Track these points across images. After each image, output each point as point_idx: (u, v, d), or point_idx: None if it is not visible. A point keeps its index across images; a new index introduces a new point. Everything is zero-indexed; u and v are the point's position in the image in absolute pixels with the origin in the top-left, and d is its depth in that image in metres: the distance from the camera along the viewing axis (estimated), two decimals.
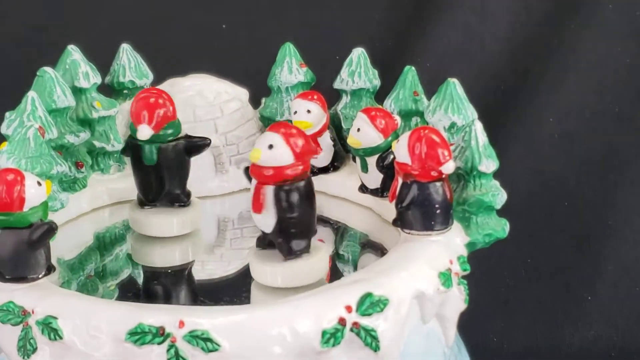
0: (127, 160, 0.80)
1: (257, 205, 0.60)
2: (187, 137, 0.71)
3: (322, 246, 0.64)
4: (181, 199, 0.71)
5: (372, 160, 0.72)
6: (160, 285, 0.67)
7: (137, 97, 0.70)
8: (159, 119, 0.68)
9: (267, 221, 0.60)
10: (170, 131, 0.69)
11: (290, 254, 0.61)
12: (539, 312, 1.11)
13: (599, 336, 1.10)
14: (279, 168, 0.59)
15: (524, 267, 1.13)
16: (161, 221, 0.70)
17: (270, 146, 0.59)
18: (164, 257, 0.70)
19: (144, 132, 0.68)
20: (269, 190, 0.60)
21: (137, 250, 0.71)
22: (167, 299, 0.64)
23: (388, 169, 0.71)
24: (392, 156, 0.70)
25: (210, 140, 0.71)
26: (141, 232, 0.71)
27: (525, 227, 1.11)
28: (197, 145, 0.71)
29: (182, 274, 0.68)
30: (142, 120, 0.68)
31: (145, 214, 0.71)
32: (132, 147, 0.70)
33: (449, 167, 0.62)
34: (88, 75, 0.78)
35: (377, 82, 0.82)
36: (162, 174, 0.70)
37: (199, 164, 0.78)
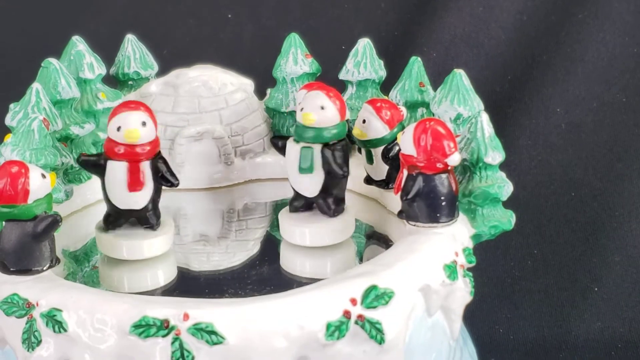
0: None
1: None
2: None
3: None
4: None
5: (377, 152, 0.72)
6: None
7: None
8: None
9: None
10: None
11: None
12: (545, 303, 1.11)
13: (605, 327, 1.09)
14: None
15: (530, 258, 1.12)
16: None
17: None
18: None
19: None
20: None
21: None
22: None
23: (393, 161, 0.71)
24: (397, 148, 0.69)
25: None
26: None
27: (532, 217, 1.11)
28: None
29: None
30: None
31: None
32: None
33: (454, 159, 0.62)
34: (93, 66, 0.78)
35: (382, 73, 0.81)
36: None
37: (203, 155, 0.78)
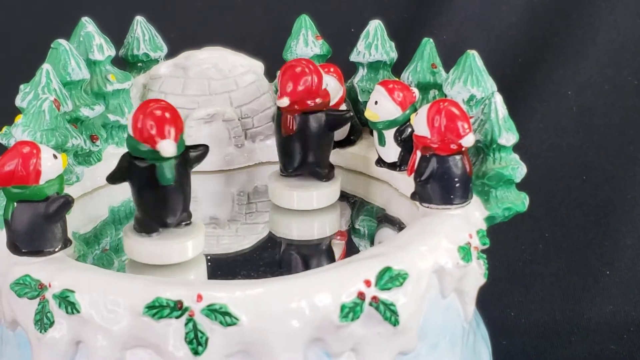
0: None
1: None
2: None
3: None
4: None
5: (389, 134, 0.71)
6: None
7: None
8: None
9: None
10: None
11: None
12: (557, 286, 1.11)
13: (617, 311, 1.09)
14: None
15: (541, 242, 1.12)
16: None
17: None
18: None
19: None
20: None
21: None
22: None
23: (406, 142, 0.70)
24: (410, 129, 0.69)
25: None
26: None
27: (543, 201, 1.11)
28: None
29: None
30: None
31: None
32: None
33: (468, 140, 0.61)
34: (102, 48, 0.77)
35: (394, 55, 0.81)
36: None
37: (214, 138, 0.77)
